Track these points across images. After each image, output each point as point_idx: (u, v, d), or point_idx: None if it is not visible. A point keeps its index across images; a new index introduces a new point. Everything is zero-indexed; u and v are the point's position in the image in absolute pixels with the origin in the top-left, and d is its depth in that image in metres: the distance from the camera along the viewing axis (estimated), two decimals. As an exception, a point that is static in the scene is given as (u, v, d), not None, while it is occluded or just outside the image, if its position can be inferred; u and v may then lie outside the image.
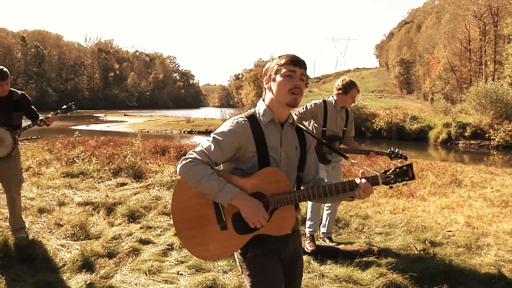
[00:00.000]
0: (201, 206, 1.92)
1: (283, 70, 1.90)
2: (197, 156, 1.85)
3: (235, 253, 2.03)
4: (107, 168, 7.52)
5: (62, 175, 7.17)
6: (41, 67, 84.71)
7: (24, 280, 3.40)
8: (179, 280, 3.50)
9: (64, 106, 4.56)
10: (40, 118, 4.38)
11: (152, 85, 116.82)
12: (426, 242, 4.45)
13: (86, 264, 3.69)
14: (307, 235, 4.36)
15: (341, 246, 4.28)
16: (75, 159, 8.31)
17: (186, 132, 29.94)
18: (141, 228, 4.74)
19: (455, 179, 7.89)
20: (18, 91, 4.37)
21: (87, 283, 3.35)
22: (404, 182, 1.95)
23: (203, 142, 1.91)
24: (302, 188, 2.06)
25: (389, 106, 33.38)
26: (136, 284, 3.42)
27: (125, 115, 53.90)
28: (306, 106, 4.46)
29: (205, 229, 1.92)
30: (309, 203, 4.47)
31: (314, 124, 4.47)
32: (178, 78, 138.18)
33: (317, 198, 1.93)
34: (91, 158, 8.22)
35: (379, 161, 9.04)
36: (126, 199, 5.72)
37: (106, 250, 3.99)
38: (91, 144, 10.34)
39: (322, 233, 4.61)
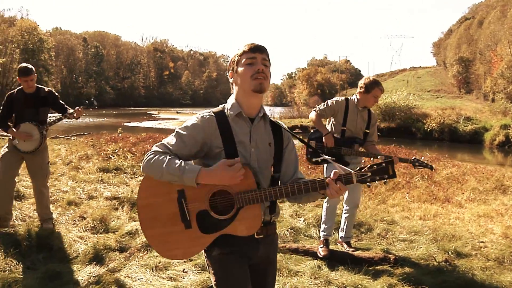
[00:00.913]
0: (165, 204, 1.89)
1: (243, 60, 1.86)
2: (157, 149, 1.84)
3: (203, 250, 1.99)
4: (141, 164, 7.73)
5: (98, 170, 7.47)
6: (100, 66, 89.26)
7: (37, 269, 3.56)
8: (183, 278, 3.51)
9: (87, 102, 4.82)
10: (69, 111, 4.59)
11: (205, 83, 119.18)
12: (449, 252, 4.14)
13: (97, 257, 3.80)
14: (321, 239, 4.21)
15: (355, 252, 4.09)
16: (111, 155, 8.63)
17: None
18: (159, 224, 4.80)
19: (500, 185, 7.29)
20: (45, 88, 4.63)
21: (94, 275, 3.45)
22: (384, 180, 1.81)
23: (167, 137, 1.90)
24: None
25: (444, 107, 31.71)
26: (140, 280, 3.47)
27: (177, 112, 55.39)
28: (327, 102, 4.30)
29: (170, 228, 1.89)
30: (324, 206, 4.32)
31: (333, 122, 4.31)
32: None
33: (285, 197, 1.84)
34: (127, 154, 8.50)
35: (401, 168, 8.41)
36: (151, 195, 5.84)
37: (118, 244, 4.10)
38: (131, 140, 10.72)
39: (340, 237, 4.44)
